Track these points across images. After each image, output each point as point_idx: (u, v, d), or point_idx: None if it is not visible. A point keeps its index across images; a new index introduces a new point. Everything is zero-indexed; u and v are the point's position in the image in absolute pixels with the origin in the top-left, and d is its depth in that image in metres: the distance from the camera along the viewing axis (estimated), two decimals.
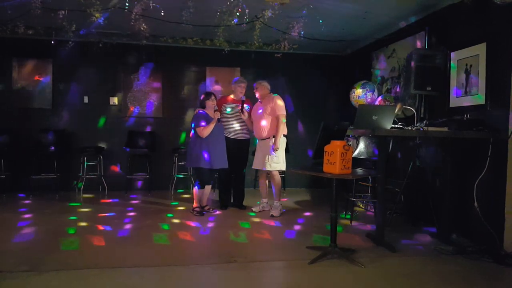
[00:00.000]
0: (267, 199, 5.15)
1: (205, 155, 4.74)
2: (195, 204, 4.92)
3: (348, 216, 4.68)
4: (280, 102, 4.86)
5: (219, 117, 4.84)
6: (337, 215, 3.29)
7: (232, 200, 5.36)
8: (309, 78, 7.17)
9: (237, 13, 4.67)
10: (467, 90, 4.00)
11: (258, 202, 5.19)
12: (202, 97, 4.99)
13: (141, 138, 6.52)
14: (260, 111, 4.93)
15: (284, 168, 4.92)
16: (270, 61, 6.26)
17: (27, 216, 4.68)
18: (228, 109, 5.13)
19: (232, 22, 4.89)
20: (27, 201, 5.56)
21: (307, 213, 5.13)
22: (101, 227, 4.18)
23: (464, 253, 3.42)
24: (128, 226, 4.27)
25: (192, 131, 4.86)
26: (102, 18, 4.72)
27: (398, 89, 5.32)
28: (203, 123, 4.74)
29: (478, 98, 3.84)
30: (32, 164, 6.00)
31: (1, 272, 2.82)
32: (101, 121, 6.57)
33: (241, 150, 5.20)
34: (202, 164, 4.75)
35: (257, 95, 5.03)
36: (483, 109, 3.75)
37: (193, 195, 5.02)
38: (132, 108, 6.68)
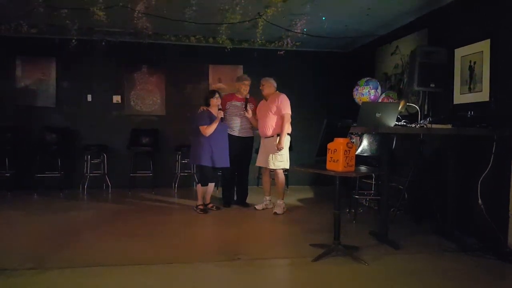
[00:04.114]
0: (270, 197, 5.15)
1: (208, 153, 4.74)
2: (198, 202, 4.93)
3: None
4: (286, 101, 4.84)
5: (223, 116, 4.84)
6: (340, 213, 3.30)
7: (235, 198, 5.36)
8: (312, 75, 7.15)
9: (240, 11, 4.66)
10: (471, 87, 3.98)
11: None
12: (206, 95, 4.99)
13: (144, 136, 6.52)
14: (266, 109, 4.91)
15: (287, 167, 4.91)
16: (273, 59, 6.25)
17: (31, 214, 4.71)
18: (232, 107, 5.13)
19: (236, 20, 4.87)
20: (31, 199, 5.59)
21: (310, 211, 5.13)
22: (105, 225, 4.20)
23: (468, 251, 3.41)
24: (132, 224, 4.28)
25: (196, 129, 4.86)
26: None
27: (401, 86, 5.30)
28: (206, 122, 4.74)
29: (482, 95, 3.83)
30: (36, 162, 6.03)
31: (6, 270, 2.84)
32: None
33: (245, 147, 5.19)
34: (205, 162, 4.76)
35: (263, 92, 5.01)
36: (487, 106, 3.73)
37: (196, 192, 5.03)
38: (135, 107, 6.70)
